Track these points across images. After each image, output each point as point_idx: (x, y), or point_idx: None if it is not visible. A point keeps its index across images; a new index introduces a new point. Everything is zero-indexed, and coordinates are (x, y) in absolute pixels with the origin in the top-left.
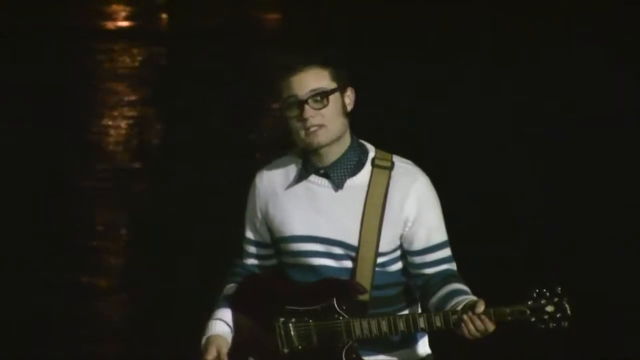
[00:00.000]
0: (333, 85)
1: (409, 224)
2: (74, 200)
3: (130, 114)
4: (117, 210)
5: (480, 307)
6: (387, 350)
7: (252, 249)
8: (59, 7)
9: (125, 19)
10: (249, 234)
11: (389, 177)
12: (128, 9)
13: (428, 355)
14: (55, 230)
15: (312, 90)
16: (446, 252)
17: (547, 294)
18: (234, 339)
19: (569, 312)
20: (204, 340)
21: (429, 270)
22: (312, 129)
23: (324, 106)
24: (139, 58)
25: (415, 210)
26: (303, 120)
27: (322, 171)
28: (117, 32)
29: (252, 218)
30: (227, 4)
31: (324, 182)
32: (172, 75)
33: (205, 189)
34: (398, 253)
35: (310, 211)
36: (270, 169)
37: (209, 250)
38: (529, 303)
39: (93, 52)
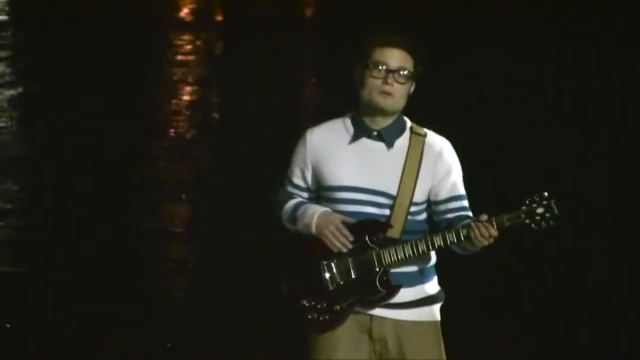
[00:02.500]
0: (412, 71)
1: (438, 179)
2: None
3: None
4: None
5: (484, 217)
6: (408, 285)
7: (287, 184)
8: None
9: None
10: (291, 177)
11: (423, 143)
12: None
13: (439, 292)
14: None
15: (401, 67)
16: (465, 202)
17: (537, 199)
18: (289, 284)
19: (556, 211)
20: (315, 219)
21: (451, 215)
22: (385, 93)
23: (401, 83)
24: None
25: (444, 168)
26: (382, 83)
27: (375, 133)
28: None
29: (300, 165)
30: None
31: (376, 143)
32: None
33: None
34: (425, 205)
35: (360, 165)
36: (321, 127)
37: None
38: (523, 208)
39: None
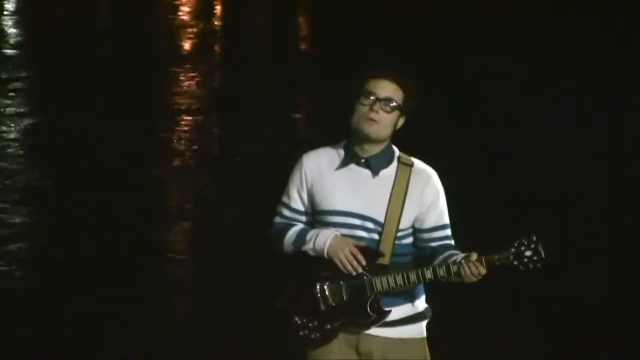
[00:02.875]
0: (400, 103)
1: (424, 208)
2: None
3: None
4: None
5: (474, 256)
6: (397, 304)
7: (285, 212)
8: None
9: None
10: (287, 200)
11: (410, 172)
12: None
13: (426, 309)
14: None
15: (387, 97)
16: (449, 232)
17: (525, 242)
18: (282, 301)
19: (543, 255)
20: (329, 241)
21: (435, 244)
22: (370, 120)
23: (386, 112)
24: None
25: (430, 198)
26: (369, 110)
27: (363, 160)
28: None
29: (297, 188)
30: None
31: (363, 170)
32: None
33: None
34: (411, 230)
35: (350, 191)
36: (316, 152)
37: None
38: (512, 250)
39: None
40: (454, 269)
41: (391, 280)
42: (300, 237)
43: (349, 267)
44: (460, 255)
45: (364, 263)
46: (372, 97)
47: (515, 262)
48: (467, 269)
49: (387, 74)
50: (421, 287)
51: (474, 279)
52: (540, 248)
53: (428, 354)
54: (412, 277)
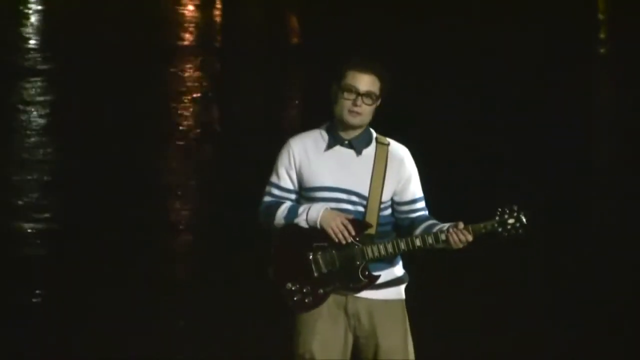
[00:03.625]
0: (378, 93)
1: (402, 182)
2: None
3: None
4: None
5: (461, 224)
6: (380, 270)
7: (275, 191)
8: None
9: None
10: (276, 180)
11: (387, 151)
12: None
13: (404, 274)
14: None
15: (368, 91)
16: (424, 203)
17: (508, 211)
18: (275, 269)
19: (524, 221)
20: (321, 212)
21: (414, 215)
22: (354, 112)
23: (367, 105)
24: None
25: (406, 174)
26: (352, 104)
27: (346, 142)
28: None
29: (285, 168)
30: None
31: (347, 150)
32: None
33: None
34: (390, 202)
35: (336, 169)
36: (301, 136)
37: None
38: (496, 218)
39: None
40: (442, 237)
41: (382, 248)
42: (292, 212)
43: (340, 236)
44: (446, 225)
45: (353, 233)
46: (353, 91)
47: (500, 229)
48: (455, 237)
49: (365, 67)
50: (399, 255)
51: (461, 246)
52: (522, 216)
53: (406, 313)
54: (402, 245)
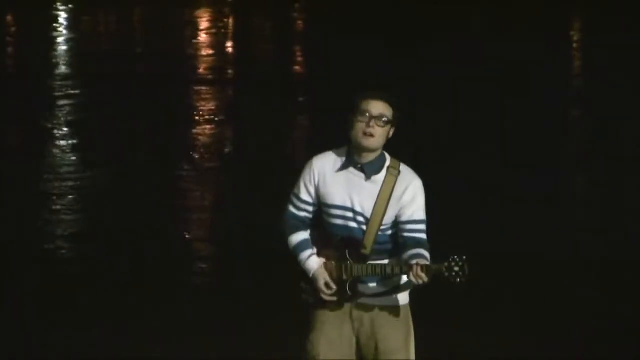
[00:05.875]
0: (390, 118)
1: (403, 205)
2: None
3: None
4: None
5: (419, 265)
6: (386, 278)
7: (296, 202)
8: None
9: None
10: (299, 194)
11: (396, 180)
12: None
13: (408, 281)
14: None
15: (381, 114)
16: (422, 226)
17: (457, 259)
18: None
19: (467, 272)
20: (313, 271)
21: (408, 235)
22: (367, 134)
23: (380, 127)
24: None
25: (409, 198)
26: (366, 127)
27: (359, 166)
28: None
29: (307, 183)
30: None
31: (359, 173)
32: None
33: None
34: (392, 224)
35: (347, 190)
36: (324, 155)
37: None
38: (445, 265)
39: None
40: (404, 269)
41: (362, 269)
42: (299, 248)
43: (323, 296)
44: (415, 260)
45: (334, 289)
46: (367, 115)
47: (446, 274)
48: (412, 273)
49: (378, 95)
50: None
51: (419, 282)
52: (466, 267)
53: (410, 318)
54: (377, 269)
